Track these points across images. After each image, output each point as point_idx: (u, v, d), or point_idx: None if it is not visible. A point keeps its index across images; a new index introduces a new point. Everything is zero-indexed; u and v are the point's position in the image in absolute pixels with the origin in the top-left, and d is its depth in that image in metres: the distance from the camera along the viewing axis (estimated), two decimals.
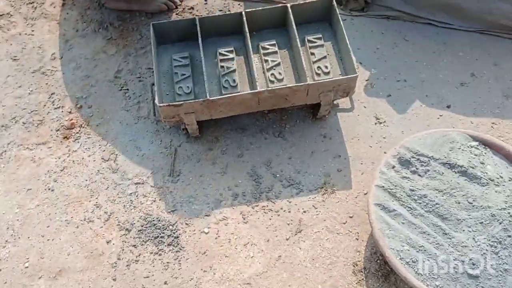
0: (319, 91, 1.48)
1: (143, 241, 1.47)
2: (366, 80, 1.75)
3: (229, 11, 1.91)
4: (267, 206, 1.51)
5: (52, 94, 1.74)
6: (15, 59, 1.82)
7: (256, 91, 1.45)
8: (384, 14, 1.88)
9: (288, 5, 1.59)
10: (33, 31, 1.89)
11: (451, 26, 1.83)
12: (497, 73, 1.76)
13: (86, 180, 1.58)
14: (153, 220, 1.50)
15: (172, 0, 1.89)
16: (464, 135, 1.42)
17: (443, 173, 1.35)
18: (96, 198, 1.54)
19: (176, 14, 1.90)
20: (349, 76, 1.47)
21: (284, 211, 1.50)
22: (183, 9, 1.91)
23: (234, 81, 1.54)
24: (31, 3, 1.95)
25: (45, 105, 1.72)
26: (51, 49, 1.84)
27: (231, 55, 1.60)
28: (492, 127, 1.64)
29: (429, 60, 1.79)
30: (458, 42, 1.83)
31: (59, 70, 1.79)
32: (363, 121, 1.67)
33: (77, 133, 1.66)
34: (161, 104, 1.44)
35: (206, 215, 1.50)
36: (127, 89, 1.74)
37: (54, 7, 1.94)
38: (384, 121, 1.66)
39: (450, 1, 1.77)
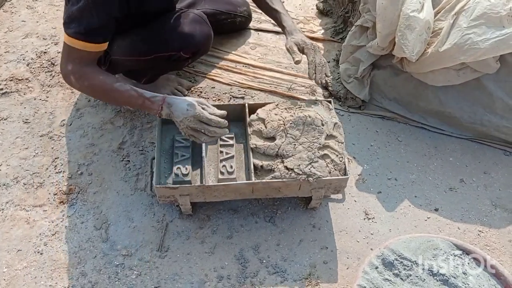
0: (311, 186, 1.53)
1: None
2: (359, 175, 1.80)
3: (233, 99, 2.01)
4: None
5: (56, 158, 1.80)
6: (26, 122, 1.90)
7: (250, 181, 1.51)
8: (379, 114, 1.98)
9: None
10: (47, 97, 1.99)
11: (442, 132, 1.91)
12: (486, 181, 1.81)
13: (76, 247, 1.59)
14: None
15: (180, 90, 1.98)
16: (448, 242, 1.45)
17: (424, 279, 1.36)
18: (83, 266, 1.55)
19: (186, 95, 1.99)
20: (340, 177, 1.53)
21: None
22: (192, 91, 2.02)
23: (231, 167, 1.60)
24: (50, 72, 2.07)
25: (47, 169, 1.77)
26: (61, 116, 1.93)
27: (231, 142, 1.67)
28: (478, 235, 1.66)
29: (420, 162, 1.85)
30: (449, 147, 1.90)
31: (66, 136, 1.86)
32: (353, 215, 1.70)
33: (74, 199, 1.70)
34: (157, 186, 1.49)
35: None
36: (128, 161, 1.80)
37: None
38: (373, 217, 1.69)
39: (442, 109, 1.86)
